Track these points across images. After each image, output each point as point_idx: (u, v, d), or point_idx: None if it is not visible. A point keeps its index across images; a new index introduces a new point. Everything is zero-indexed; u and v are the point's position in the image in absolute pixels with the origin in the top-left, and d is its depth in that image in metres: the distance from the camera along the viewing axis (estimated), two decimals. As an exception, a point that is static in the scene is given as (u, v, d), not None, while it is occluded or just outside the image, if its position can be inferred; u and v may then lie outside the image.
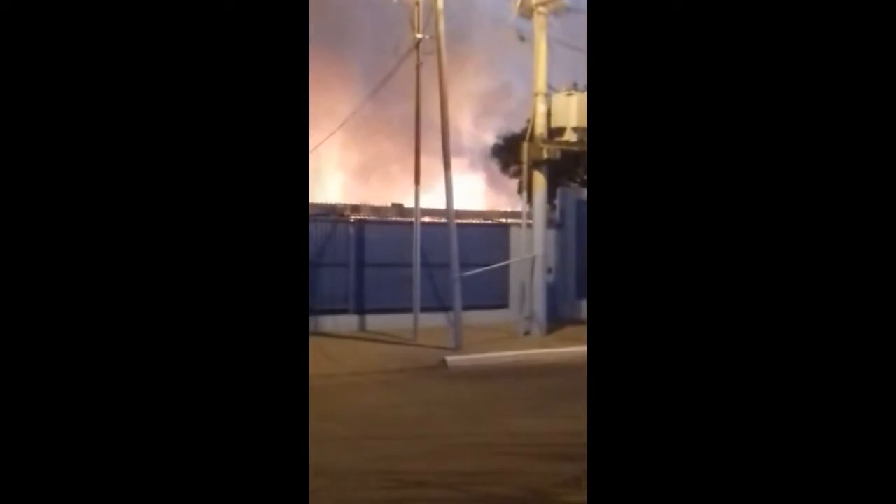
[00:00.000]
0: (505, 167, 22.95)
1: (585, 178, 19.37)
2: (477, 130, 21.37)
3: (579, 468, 5.51)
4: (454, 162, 11.64)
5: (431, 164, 13.03)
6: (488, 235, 14.57)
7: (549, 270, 13.69)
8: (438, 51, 11.47)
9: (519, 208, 14.61)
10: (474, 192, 22.32)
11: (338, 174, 20.23)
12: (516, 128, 20.82)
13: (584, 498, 4.72)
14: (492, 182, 23.75)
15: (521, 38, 12.57)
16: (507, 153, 21.97)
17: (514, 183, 21.41)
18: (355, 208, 14.24)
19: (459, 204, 12.52)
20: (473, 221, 14.68)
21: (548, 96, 12.66)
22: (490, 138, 23.65)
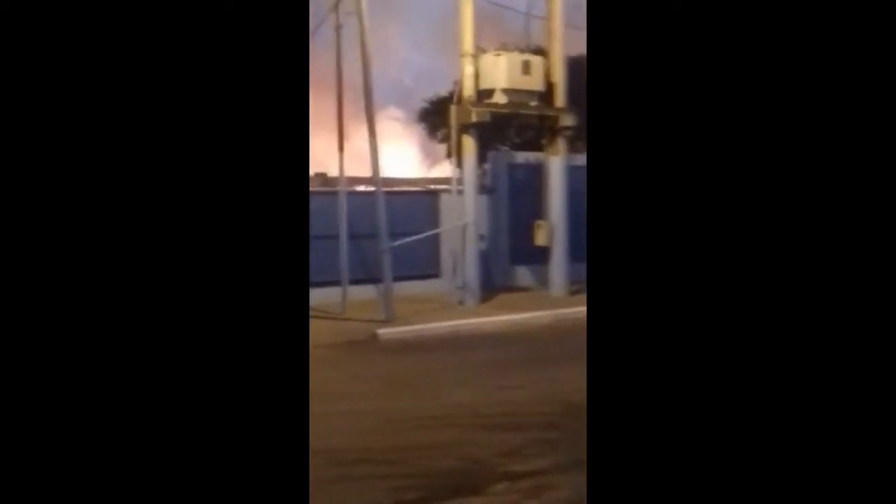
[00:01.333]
0: (432, 132, 22.34)
1: (517, 140, 19.10)
2: (401, 95, 20.83)
3: (520, 438, 5.61)
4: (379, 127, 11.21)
5: (355, 130, 12.58)
6: (417, 203, 14.07)
7: (482, 237, 13.39)
8: (359, 11, 10.97)
9: (448, 174, 14.26)
10: (401, 158, 21.81)
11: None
12: (443, 90, 20.37)
13: (525, 467, 4.86)
14: (419, 148, 23.23)
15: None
16: (435, 117, 21.39)
17: (442, 148, 20.99)
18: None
19: (386, 171, 12.11)
20: (401, 189, 14.18)
21: (475, 57, 12.27)
22: (415, 102, 22.96)
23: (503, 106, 12.33)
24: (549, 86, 12.57)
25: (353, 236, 12.30)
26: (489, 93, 12.25)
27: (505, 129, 18.18)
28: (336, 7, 11.60)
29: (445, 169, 19.25)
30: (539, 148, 14.00)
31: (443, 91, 20.16)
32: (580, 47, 12.71)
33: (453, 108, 12.33)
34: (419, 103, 22.76)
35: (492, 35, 12.68)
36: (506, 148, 18.16)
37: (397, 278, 11.45)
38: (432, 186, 14.69)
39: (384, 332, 10.33)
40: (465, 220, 12.59)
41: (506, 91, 12.17)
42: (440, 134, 21.26)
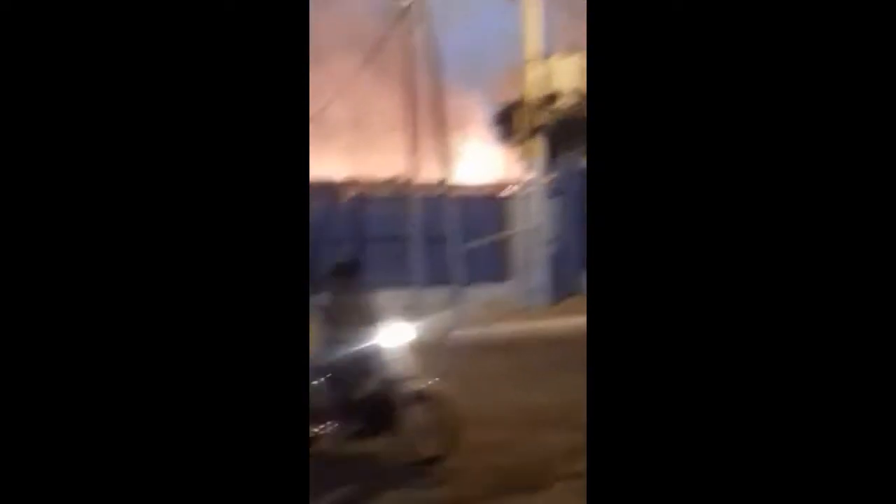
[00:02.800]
0: (502, 136, 22.29)
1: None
2: (469, 101, 20.83)
3: (578, 438, 5.40)
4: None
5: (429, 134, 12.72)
6: (488, 206, 14.21)
7: (551, 241, 13.38)
8: (425, 17, 11.13)
9: (518, 178, 14.29)
10: (473, 162, 21.82)
11: (330, 147, 19.78)
12: (512, 95, 20.29)
13: (582, 467, 4.76)
14: (489, 152, 23.18)
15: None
16: (504, 121, 21.35)
17: (511, 152, 20.93)
18: (352, 182, 13.94)
19: (458, 175, 12.23)
20: (472, 193, 14.31)
21: (542, 60, 12.28)
22: (485, 107, 22.90)
23: (572, 107, 12.31)
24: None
25: (425, 239, 12.48)
26: (556, 95, 12.25)
27: (574, 131, 18.03)
28: (406, 13, 11.80)
29: (514, 172, 19.25)
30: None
31: (514, 96, 20.13)
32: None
33: (522, 112, 12.38)
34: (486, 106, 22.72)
35: (558, 38, 12.63)
36: (575, 151, 18.02)
37: (469, 281, 11.55)
38: (503, 191, 14.73)
39: (455, 333, 10.45)
40: (534, 224, 12.61)
41: (574, 92, 12.15)
42: (507, 139, 21.22)
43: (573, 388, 6.92)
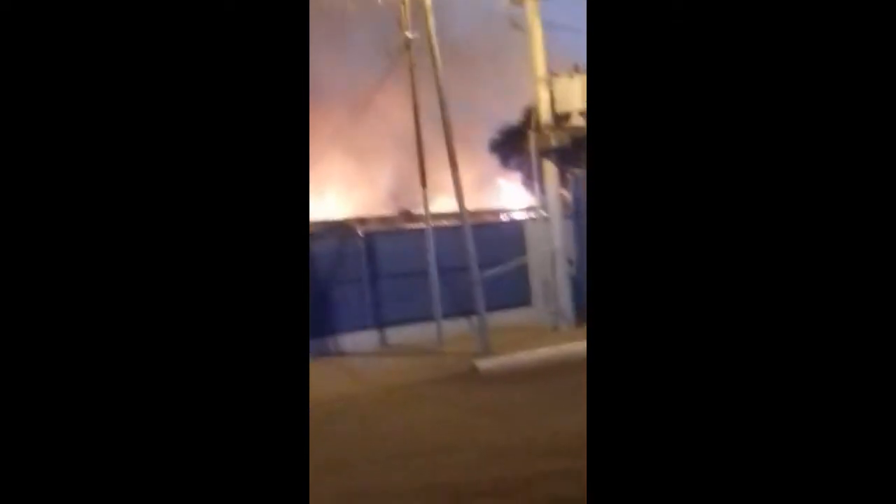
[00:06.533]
0: (504, 161, 22.29)
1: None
2: (478, 127, 20.82)
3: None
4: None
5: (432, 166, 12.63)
6: (503, 232, 14.10)
7: (571, 262, 13.25)
8: (431, 49, 11.10)
9: (530, 202, 14.21)
10: (485, 189, 21.76)
11: (337, 184, 19.70)
12: (511, 119, 20.30)
13: None
14: (491, 177, 23.12)
15: (516, 26, 12.16)
16: (506, 146, 21.35)
17: (516, 176, 20.89)
18: (362, 220, 13.81)
19: (470, 203, 12.10)
20: (484, 220, 14.18)
21: (549, 82, 12.25)
22: (484, 133, 22.86)
23: (581, 128, 12.24)
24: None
25: (441, 270, 12.36)
26: (566, 116, 12.19)
27: (579, 151, 17.99)
28: (408, 46, 11.79)
29: (517, 196, 19.17)
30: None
31: (512, 120, 20.17)
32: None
33: (532, 135, 12.33)
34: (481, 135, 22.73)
35: (563, 59, 12.61)
36: (580, 171, 17.97)
37: (490, 308, 11.40)
38: (514, 215, 14.62)
39: (483, 363, 10.28)
40: (553, 246, 12.50)
41: (583, 113, 12.09)
42: (513, 162, 21.20)
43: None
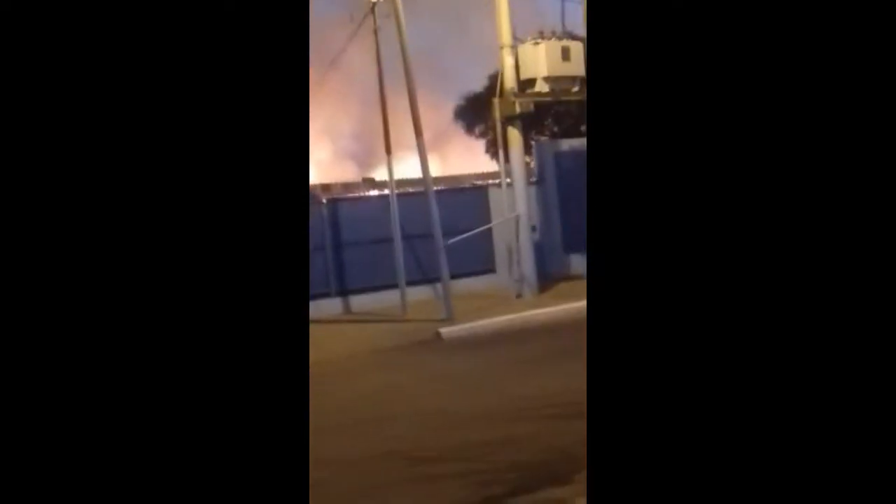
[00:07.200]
0: (469, 128, 22.18)
1: (555, 129, 18.87)
2: (442, 94, 20.68)
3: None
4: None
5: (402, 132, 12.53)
6: (467, 199, 14.05)
7: (534, 228, 13.28)
8: (396, 13, 10.96)
9: (493, 168, 14.17)
10: (449, 156, 21.70)
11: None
12: (476, 86, 20.21)
13: None
14: (459, 145, 23.04)
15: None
16: (471, 113, 21.22)
17: (481, 143, 20.87)
18: (325, 187, 13.65)
19: (434, 170, 12.03)
20: (448, 187, 14.10)
21: (513, 48, 12.17)
22: (458, 99, 22.70)
23: (547, 94, 12.21)
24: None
25: (405, 237, 12.32)
26: (530, 82, 12.14)
27: (543, 118, 17.96)
28: (373, 10, 11.64)
29: (484, 163, 19.13)
30: (580, 134, 13.83)
31: (477, 87, 20.07)
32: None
33: (496, 101, 12.24)
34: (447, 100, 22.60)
35: (525, 23, 12.52)
36: (545, 137, 17.96)
37: (454, 276, 11.43)
38: (479, 182, 14.56)
39: (447, 330, 10.32)
40: (516, 213, 12.51)
41: (547, 79, 12.05)
42: (478, 129, 21.13)
43: (575, 375, 6.99)
